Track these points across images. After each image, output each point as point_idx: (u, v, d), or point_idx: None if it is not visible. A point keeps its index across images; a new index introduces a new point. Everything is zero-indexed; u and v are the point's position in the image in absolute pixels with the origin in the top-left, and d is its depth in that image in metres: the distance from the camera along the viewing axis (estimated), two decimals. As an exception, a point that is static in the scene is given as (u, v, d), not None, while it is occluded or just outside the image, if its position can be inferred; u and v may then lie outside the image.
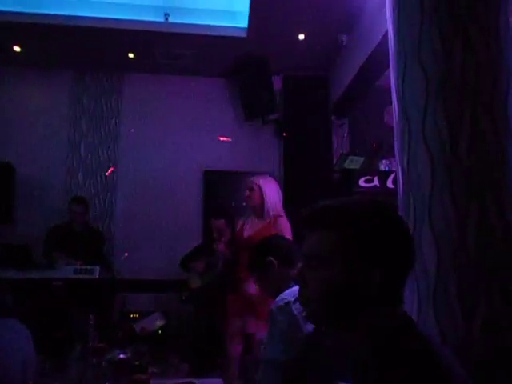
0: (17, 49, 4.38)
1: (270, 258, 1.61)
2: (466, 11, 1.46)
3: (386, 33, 3.05)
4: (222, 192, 4.63)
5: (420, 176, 1.41)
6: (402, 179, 1.52)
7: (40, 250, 3.75)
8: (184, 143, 4.80)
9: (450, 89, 1.40)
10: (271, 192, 2.83)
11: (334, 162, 4.51)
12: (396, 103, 1.58)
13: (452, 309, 1.27)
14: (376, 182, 3.81)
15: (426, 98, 1.42)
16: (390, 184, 3.75)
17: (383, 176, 3.84)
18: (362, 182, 3.86)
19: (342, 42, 4.08)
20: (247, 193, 2.89)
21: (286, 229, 2.72)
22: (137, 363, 1.44)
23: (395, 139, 1.59)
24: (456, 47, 1.43)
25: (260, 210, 2.85)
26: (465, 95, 1.40)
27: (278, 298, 1.36)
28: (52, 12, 3.97)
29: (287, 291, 1.30)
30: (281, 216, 2.80)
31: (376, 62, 3.62)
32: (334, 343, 0.93)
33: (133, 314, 4.32)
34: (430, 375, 0.74)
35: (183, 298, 4.04)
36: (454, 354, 0.86)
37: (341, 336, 0.89)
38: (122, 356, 1.43)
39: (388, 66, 1.75)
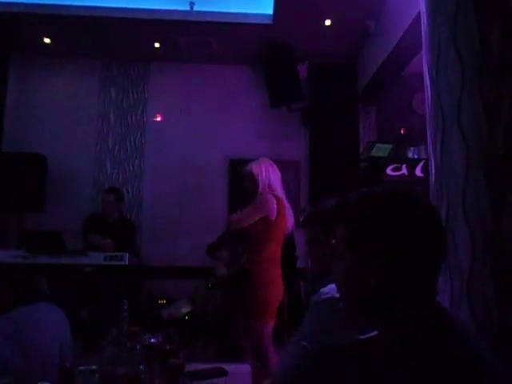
0: (47, 41, 4.48)
1: None
2: (505, -8, 1.39)
3: (416, 18, 2.98)
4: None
5: (454, 165, 1.37)
6: (435, 168, 1.48)
7: (70, 237, 3.86)
8: (210, 132, 4.83)
9: (487, 74, 1.35)
10: (264, 174, 2.71)
11: (361, 150, 4.44)
12: (429, 89, 1.53)
13: (487, 301, 1.24)
14: (404, 170, 3.75)
15: (461, 83, 1.37)
16: (418, 172, 3.68)
17: (412, 164, 3.77)
18: (389, 171, 3.79)
19: (370, 27, 3.99)
20: (244, 183, 2.78)
21: (260, 202, 2.61)
22: (168, 348, 1.47)
23: (428, 127, 1.55)
24: (494, 31, 1.37)
25: (255, 196, 2.72)
26: (503, 81, 1.34)
27: (324, 289, 1.30)
28: (79, 3, 4.02)
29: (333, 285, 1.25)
30: (268, 194, 2.66)
31: (405, 47, 3.53)
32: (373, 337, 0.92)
33: (160, 300, 4.41)
34: (448, 376, 0.72)
35: (209, 285, 4.09)
36: (490, 347, 0.84)
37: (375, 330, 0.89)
38: (153, 340, 1.46)
39: (418, 52, 1.70)
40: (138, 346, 1.13)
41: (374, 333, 0.88)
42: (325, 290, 1.29)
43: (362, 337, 1.12)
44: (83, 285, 3.43)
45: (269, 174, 2.72)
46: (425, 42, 1.61)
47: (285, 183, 2.88)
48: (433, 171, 1.51)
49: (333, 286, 1.25)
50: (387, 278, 0.81)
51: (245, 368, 1.68)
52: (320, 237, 1.48)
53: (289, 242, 4.22)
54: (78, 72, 4.90)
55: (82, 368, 1.17)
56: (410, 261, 0.81)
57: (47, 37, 4.43)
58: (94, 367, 1.17)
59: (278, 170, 2.79)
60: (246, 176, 2.74)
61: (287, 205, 2.73)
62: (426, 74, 1.57)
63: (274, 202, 2.64)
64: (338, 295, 1.24)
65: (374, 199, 0.86)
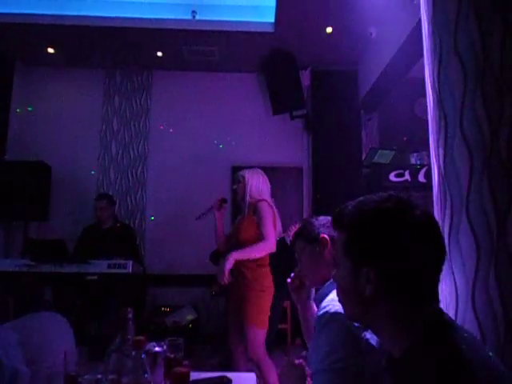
0: (50, 50, 4.52)
1: (324, 235, 1.42)
2: (505, -2, 1.40)
3: (417, 24, 3.00)
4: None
5: (457, 171, 1.37)
6: (438, 174, 1.49)
7: (73, 246, 3.88)
8: (212, 139, 4.84)
9: (488, 80, 1.36)
10: (255, 181, 2.83)
11: (364, 157, 4.44)
12: (431, 96, 1.53)
13: (492, 307, 1.23)
14: (407, 176, 3.73)
15: (463, 89, 1.38)
16: (421, 178, 3.67)
17: (414, 170, 3.75)
18: (392, 177, 3.78)
19: (371, 34, 4.01)
20: (234, 186, 2.91)
21: (265, 212, 2.69)
22: (172, 356, 1.46)
23: (430, 133, 1.55)
24: (495, 36, 1.38)
25: (243, 199, 2.85)
26: (505, 86, 1.35)
27: (326, 304, 1.27)
28: (83, 13, 4.07)
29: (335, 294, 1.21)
30: (262, 200, 2.75)
31: (406, 54, 3.55)
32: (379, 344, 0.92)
33: (164, 307, 4.40)
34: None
35: (213, 292, 4.08)
36: (495, 354, 0.83)
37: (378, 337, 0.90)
38: (157, 349, 1.46)
39: (419, 58, 1.71)
40: (143, 355, 1.13)
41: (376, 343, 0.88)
42: (328, 304, 1.26)
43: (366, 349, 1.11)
44: (87, 293, 3.42)
45: (258, 183, 2.83)
46: (426, 48, 1.62)
47: (288, 190, 2.92)
48: (436, 177, 1.51)
49: (333, 297, 1.23)
50: (379, 287, 0.82)
51: (249, 376, 1.68)
52: (306, 250, 1.48)
53: (284, 248, 4.17)
54: (82, 81, 4.94)
55: (86, 377, 1.17)
56: (404, 269, 0.82)
57: (51, 47, 4.48)
58: (99, 376, 1.16)
59: (268, 182, 2.90)
60: (238, 180, 2.88)
61: (276, 212, 2.84)
62: (428, 80, 1.58)
63: (271, 211, 2.74)
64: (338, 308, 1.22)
65: (369, 207, 0.87)
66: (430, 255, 0.84)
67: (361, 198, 0.91)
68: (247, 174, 2.86)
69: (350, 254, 0.87)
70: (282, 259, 3.98)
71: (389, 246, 0.82)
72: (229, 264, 2.56)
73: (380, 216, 0.85)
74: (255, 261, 2.71)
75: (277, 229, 2.83)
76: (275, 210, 2.80)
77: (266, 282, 2.74)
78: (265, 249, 2.69)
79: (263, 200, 2.75)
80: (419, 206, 0.86)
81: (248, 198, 2.79)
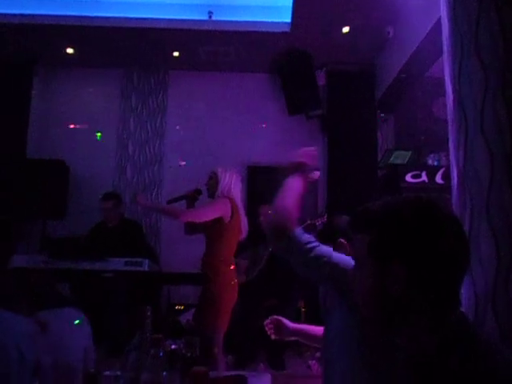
0: (70, 51, 4.59)
1: (341, 239, 1.48)
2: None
3: (436, 23, 2.96)
4: (265, 187, 4.64)
5: (478, 172, 1.35)
6: (457, 175, 1.46)
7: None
8: (228, 139, 4.86)
9: (510, 79, 1.33)
10: (226, 180, 2.85)
11: (380, 158, 4.40)
12: (451, 95, 1.51)
13: (513, 310, 1.21)
14: (424, 177, 3.69)
15: (484, 89, 1.36)
16: (439, 179, 3.62)
17: (432, 171, 3.71)
18: (408, 178, 3.74)
19: (389, 33, 3.97)
20: (207, 181, 2.94)
21: (217, 204, 2.75)
22: (189, 355, 1.48)
23: (450, 134, 1.53)
24: (517, 36, 1.36)
25: (213, 195, 2.90)
26: (527, 86, 1.32)
27: None
28: (101, 14, 4.12)
29: None
30: (222, 196, 2.79)
31: (425, 53, 3.50)
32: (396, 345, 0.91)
33: (178, 306, 4.43)
34: None
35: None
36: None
37: (397, 339, 0.89)
38: (173, 347, 1.47)
39: (437, 57, 1.68)
40: (161, 353, 1.14)
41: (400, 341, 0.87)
42: None
43: None
44: (103, 290, 3.46)
45: (231, 182, 2.86)
46: (446, 47, 1.60)
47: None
48: (455, 179, 1.49)
49: None
50: (408, 287, 0.81)
51: (265, 376, 1.68)
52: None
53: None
54: (100, 81, 5.00)
55: (106, 373, 1.18)
56: (431, 271, 0.81)
57: (70, 47, 4.55)
58: (118, 373, 1.18)
59: (240, 183, 2.96)
60: (212, 175, 2.92)
61: (242, 211, 2.88)
62: (448, 80, 1.55)
63: (229, 204, 2.76)
64: None
65: (397, 208, 0.87)
66: (457, 254, 0.83)
67: (386, 199, 0.91)
68: (220, 171, 2.88)
69: (377, 256, 0.85)
70: (289, 266, 3.97)
71: (419, 245, 0.82)
72: (142, 200, 3.31)
73: (410, 214, 0.84)
74: (213, 257, 2.75)
75: (243, 228, 2.87)
76: (238, 207, 2.82)
77: (223, 278, 2.73)
78: (175, 214, 2.97)
79: (226, 197, 2.78)
80: (446, 209, 0.87)
81: (218, 194, 2.83)
